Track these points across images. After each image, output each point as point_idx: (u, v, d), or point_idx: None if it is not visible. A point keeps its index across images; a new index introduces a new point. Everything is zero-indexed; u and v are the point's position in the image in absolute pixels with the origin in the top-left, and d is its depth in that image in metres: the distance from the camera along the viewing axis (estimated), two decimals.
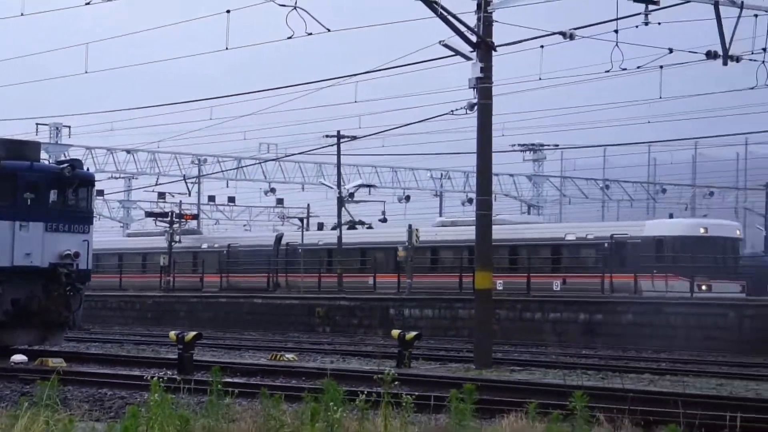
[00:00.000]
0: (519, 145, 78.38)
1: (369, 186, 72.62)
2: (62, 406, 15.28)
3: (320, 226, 69.90)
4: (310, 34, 29.73)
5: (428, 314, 47.73)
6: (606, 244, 48.72)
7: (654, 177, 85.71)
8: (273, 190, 79.38)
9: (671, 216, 56.71)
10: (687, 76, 42.20)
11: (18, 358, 27.11)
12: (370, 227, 66.42)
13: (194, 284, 62.59)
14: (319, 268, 58.79)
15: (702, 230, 49.17)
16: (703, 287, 46.17)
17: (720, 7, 28.79)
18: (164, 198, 75.32)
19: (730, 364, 32.88)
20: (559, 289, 49.15)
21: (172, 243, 64.47)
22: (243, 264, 63.24)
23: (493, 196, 33.33)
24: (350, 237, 59.76)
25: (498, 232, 48.61)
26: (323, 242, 60.97)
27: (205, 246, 66.59)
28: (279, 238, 62.38)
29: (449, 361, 31.32)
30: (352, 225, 64.74)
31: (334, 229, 61.19)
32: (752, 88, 33.27)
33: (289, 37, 29.83)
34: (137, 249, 69.43)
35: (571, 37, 30.63)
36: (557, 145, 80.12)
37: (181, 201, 71.95)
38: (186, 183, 73.30)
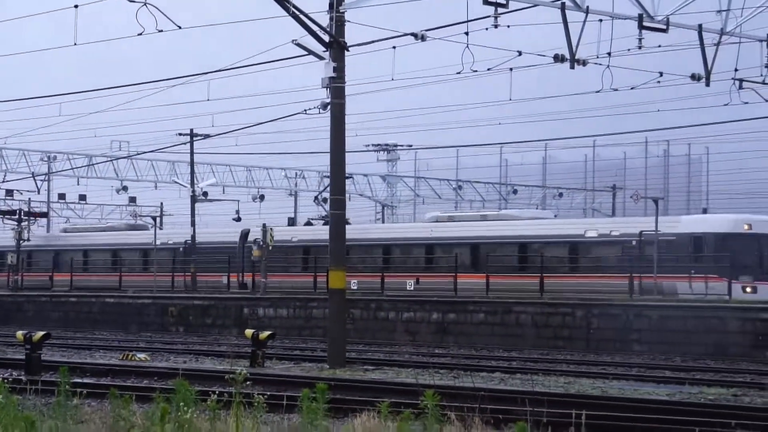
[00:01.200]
0: (373, 145, 78.83)
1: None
2: None
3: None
4: (161, 31, 29.40)
5: (283, 314, 47.64)
6: (634, 242, 45.06)
7: (506, 178, 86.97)
8: (125, 188, 78.26)
9: (705, 211, 52.94)
10: (536, 78, 42.97)
11: None
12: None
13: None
14: (173, 267, 58.22)
15: (746, 227, 45.18)
16: (748, 289, 42.97)
17: (567, 11, 29.35)
18: (12, 195, 73.60)
19: (578, 362, 33.58)
20: (412, 288, 49.42)
21: (20, 241, 63.17)
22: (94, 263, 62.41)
23: (347, 195, 33.47)
24: (205, 236, 59.38)
25: (506, 229, 48.56)
26: (172, 241, 60.44)
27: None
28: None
29: (303, 361, 31.33)
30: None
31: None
32: (598, 92, 34.06)
33: (140, 34, 29.48)
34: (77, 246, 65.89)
35: (423, 38, 30.93)
36: (411, 146, 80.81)
37: (30, 199, 70.43)
38: (35, 180, 71.82)
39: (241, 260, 55.11)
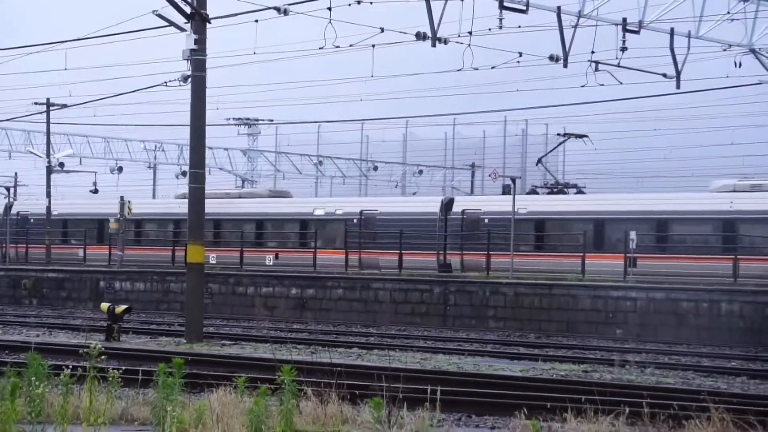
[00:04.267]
0: (234, 118, 78.28)
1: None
2: None
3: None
4: None
5: (140, 287, 47.13)
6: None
7: (367, 154, 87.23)
8: None
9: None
10: (398, 56, 43.16)
11: None
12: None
13: None
14: (26, 239, 57.14)
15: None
16: None
17: None
18: None
19: (435, 338, 33.95)
20: (271, 263, 49.39)
21: None
22: None
23: (207, 169, 33.22)
24: (63, 208, 58.42)
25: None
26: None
27: None
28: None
29: (160, 335, 31.09)
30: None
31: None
32: (459, 71, 34.41)
33: None
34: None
35: (286, 12, 30.87)
36: (272, 120, 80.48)
37: None
38: None
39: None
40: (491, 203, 46.68)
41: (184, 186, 66.71)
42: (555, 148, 56.54)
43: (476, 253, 44.70)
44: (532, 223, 44.46)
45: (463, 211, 46.43)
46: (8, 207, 59.65)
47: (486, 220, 45.46)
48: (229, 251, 49.93)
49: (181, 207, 51.52)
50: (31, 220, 58.70)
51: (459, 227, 46.02)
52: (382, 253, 46.67)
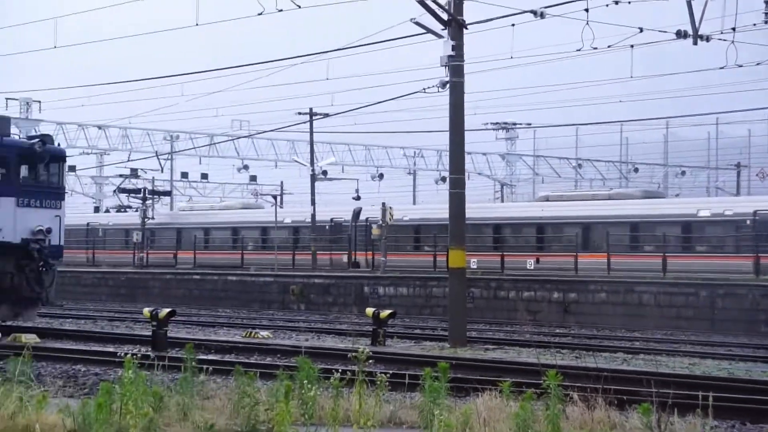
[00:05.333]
0: (492, 123, 78.50)
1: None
2: (36, 382, 15.23)
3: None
4: (281, 10, 29.64)
5: (403, 292, 47.78)
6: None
7: (626, 156, 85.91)
8: (246, 167, 79.18)
9: None
10: (658, 55, 42.28)
11: None
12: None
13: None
14: (294, 246, 58.77)
15: None
16: None
17: None
18: (137, 174, 75.00)
19: (703, 343, 33.06)
20: (532, 267, 49.14)
21: (144, 219, 64.31)
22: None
23: (466, 174, 33.35)
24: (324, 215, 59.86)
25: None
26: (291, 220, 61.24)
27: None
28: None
29: (424, 340, 31.36)
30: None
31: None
32: (722, 68, 33.41)
33: (260, 14, 29.74)
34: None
35: (542, 15, 30.62)
36: (530, 124, 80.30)
37: (153, 177, 71.68)
38: (158, 159, 73.03)
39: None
40: None
41: (443, 192, 67.35)
42: None
43: None
44: None
45: None
46: (356, 213, 57.67)
47: None
48: (489, 256, 49.98)
49: (438, 213, 52.14)
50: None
51: None
52: None
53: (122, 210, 71.49)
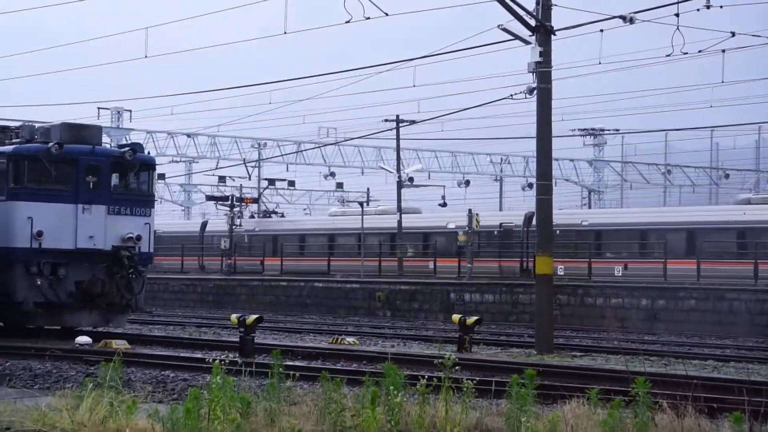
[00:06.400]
0: (579, 129, 78.00)
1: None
2: (126, 387, 15.41)
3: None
4: (368, 18, 29.72)
5: (489, 299, 47.63)
6: None
7: (716, 162, 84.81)
8: (332, 174, 79.51)
9: None
10: (749, 59, 41.67)
11: (82, 339, 27.38)
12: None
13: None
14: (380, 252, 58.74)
15: None
16: None
17: None
18: (225, 182, 75.69)
19: None
20: (620, 274, 48.68)
21: (232, 227, 64.85)
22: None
23: (554, 181, 33.16)
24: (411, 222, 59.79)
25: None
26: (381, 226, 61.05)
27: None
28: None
29: (510, 346, 31.23)
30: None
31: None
32: None
33: (347, 22, 29.84)
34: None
35: (631, 20, 30.33)
36: (618, 130, 79.61)
37: (241, 185, 72.30)
38: (246, 167, 73.62)
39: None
40: None
41: (530, 198, 67.07)
42: None
43: None
44: None
45: None
46: (528, 218, 53.86)
47: None
48: (576, 262, 49.58)
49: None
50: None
51: None
52: None
53: (267, 216, 71.81)
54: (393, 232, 58.62)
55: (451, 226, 56.26)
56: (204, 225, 71.25)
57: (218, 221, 68.28)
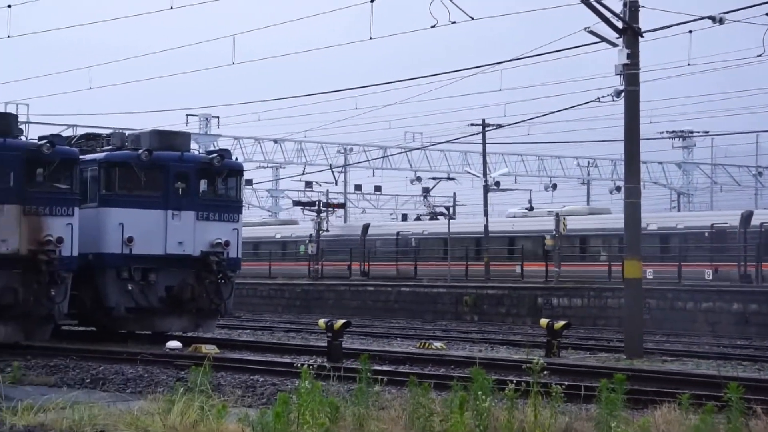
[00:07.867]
0: (667, 132, 77.18)
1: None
2: (216, 391, 15.56)
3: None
4: (454, 22, 29.73)
5: (577, 303, 47.29)
6: None
7: None
8: (419, 179, 79.54)
9: None
10: None
11: (173, 344, 27.70)
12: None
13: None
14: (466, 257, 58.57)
15: None
16: None
17: None
18: (311, 187, 76.09)
19: None
20: (710, 278, 47.98)
21: (319, 232, 65.13)
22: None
23: (642, 184, 32.83)
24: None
25: None
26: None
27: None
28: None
29: (599, 351, 30.98)
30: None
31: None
32: None
33: (433, 26, 29.87)
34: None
35: (721, 21, 29.91)
36: (707, 132, 78.63)
37: (328, 190, 72.64)
38: (332, 172, 73.97)
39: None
40: None
41: (618, 202, 66.53)
42: None
43: None
44: None
45: None
46: (746, 217, 50.09)
47: None
48: (663, 266, 48.99)
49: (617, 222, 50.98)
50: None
51: None
52: None
53: (435, 218, 71.36)
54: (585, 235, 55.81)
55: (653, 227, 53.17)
56: (365, 228, 69.11)
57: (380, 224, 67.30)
